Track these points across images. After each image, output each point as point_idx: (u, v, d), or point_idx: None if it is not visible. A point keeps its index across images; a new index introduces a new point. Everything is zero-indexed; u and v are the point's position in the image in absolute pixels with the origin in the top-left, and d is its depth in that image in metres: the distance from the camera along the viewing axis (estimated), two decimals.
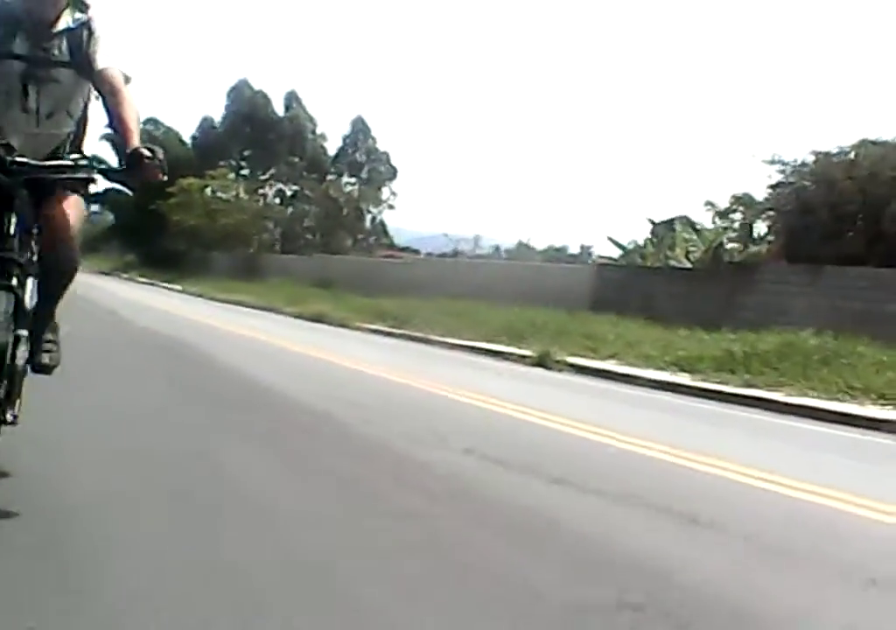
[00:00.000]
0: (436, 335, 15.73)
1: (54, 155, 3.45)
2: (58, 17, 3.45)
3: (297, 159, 48.68)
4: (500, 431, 6.51)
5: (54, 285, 3.49)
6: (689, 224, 26.13)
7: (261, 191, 49.51)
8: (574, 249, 58.77)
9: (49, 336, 3.62)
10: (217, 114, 50.60)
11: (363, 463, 4.94)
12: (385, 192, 47.66)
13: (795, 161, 21.64)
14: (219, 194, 43.98)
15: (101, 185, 3.39)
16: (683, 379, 10.90)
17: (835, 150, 20.89)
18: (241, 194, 47.26)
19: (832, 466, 6.24)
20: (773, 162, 21.69)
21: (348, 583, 2.88)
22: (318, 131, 50.24)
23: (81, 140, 3.71)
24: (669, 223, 26.04)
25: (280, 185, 48.06)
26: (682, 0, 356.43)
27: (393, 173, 47.90)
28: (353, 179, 47.66)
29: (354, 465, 4.83)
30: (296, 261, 37.58)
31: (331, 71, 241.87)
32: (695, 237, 25.50)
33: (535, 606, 2.85)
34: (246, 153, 48.76)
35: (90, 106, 3.67)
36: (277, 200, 48.81)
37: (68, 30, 3.46)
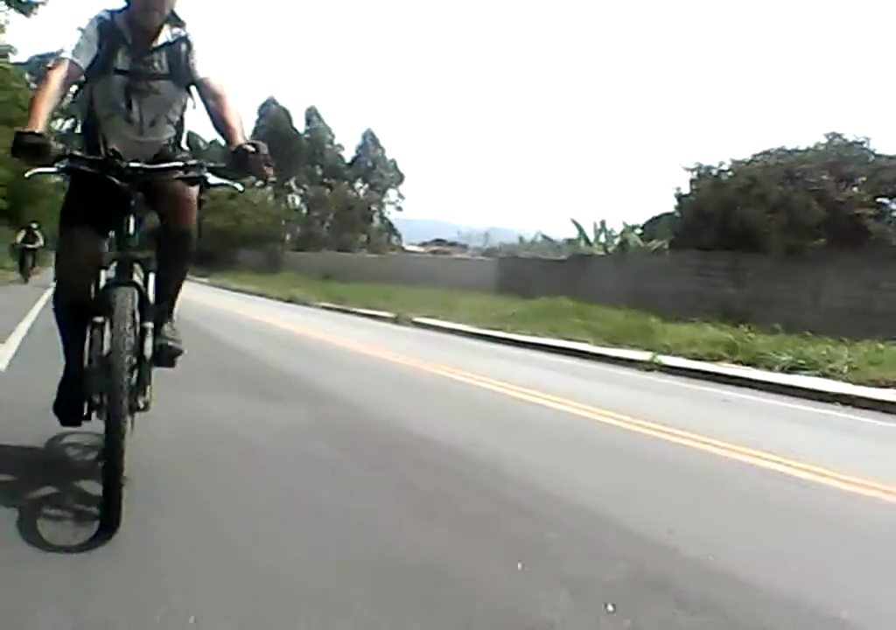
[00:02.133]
0: (354, 307, 22.03)
1: (158, 158, 3.63)
2: (157, 33, 3.65)
3: (317, 167, 55.33)
4: (329, 357, 12.54)
5: (176, 275, 3.79)
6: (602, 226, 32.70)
7: (288, 196, 56.66)
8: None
9: (167, 328, 3.77)
10: (247, 127, 57.46)
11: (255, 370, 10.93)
12: (393, 195, 54.05)
13: (708, 168, 26.53)
14: (249, 199, 50.68)
15: (213, 181, 3.49)
16: (478, 329, 16.54)
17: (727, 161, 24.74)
18: (269, 199, 54.35)
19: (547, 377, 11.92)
20: (691, 169, 27.04)
21: None
22: (336, 141, 56.72)
23: (178, 144, 3.92)
24: (602, 223, 32.77)
25: (300, 190, 54.79)
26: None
27: (400, 178, 54.28)
28: (365, 185, 54.12)
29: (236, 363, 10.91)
30: (307, 257, 44.15)
31: (347, 86, 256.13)
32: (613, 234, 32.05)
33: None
34: (275, 162, 55.33)
35: (186, 114, 3.88)
36: (299, 203, 55.75)
37: (167, 44, 3.67)
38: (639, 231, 32.45)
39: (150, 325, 3.47)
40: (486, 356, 12.38)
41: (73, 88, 3.65)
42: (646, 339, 13.27)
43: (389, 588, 2.75)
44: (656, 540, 3.53)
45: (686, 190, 28.01)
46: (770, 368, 11.23)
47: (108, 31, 3.59)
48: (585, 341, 13.88)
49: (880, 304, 16.26)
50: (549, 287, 22.25)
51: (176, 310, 3.85)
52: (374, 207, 51.96)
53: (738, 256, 19.54)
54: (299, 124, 56.00)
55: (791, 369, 11.02)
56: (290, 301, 26.03)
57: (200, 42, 3.71)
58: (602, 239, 32.71)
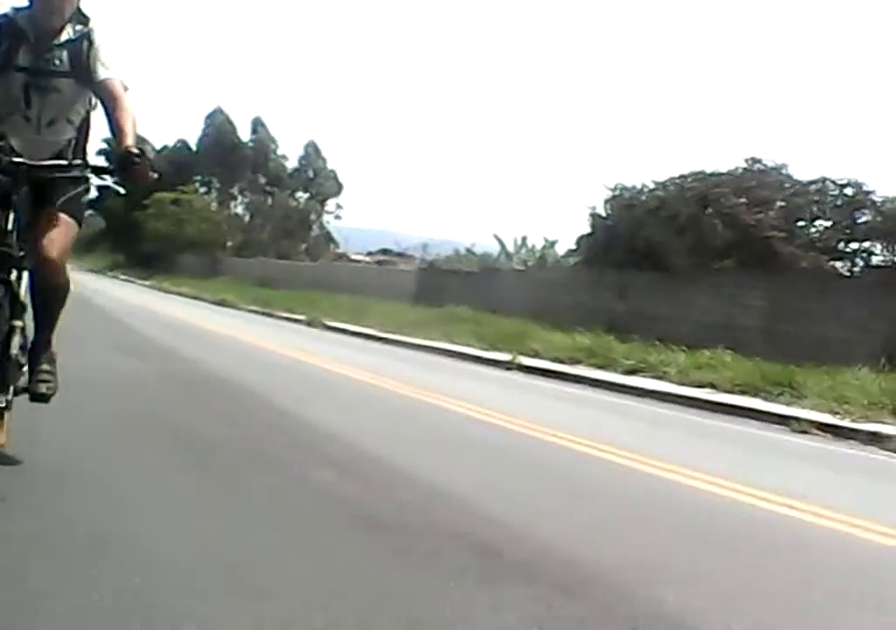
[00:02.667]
0: (277, 311, 23.45)
1: (55, 160, 3.61)
2: (61, 30, 3.62)
3: (259, 176, 56.58)
4: (247, 354, 14.01)
5: (47, 309, 3.69)
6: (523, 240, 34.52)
7: (231, 203, 57.84)
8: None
9: (46, 366, 3.70)
10: (194, 135, 58.53)
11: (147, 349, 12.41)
12: (332, 205, 55.52)
13: (624, 189, 27.98)
14: (192, 204, 51.72)
15: (96, 183, 3.57)
16: (377, 332, 18.18)
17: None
18: (212, 205, 55.50)
19: (411, 371, 13.53)
20: (612, 189, 28.53)
21: None
22: (280, 151, 58.02)
23: (83, 146, 3.87)
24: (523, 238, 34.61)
25: (244, 198, 56.01)
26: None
27: (339, 189, 55.78)
28: (306, 194, 55.47)
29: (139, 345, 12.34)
30: (246, 263, 45.29)
31: (292, 98, 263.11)
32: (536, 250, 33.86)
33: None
34: (217, 170, 56.50)
35: (92, 114, 3.84)
36: (242, 211, 56.94)
37: (69, 41, 3.64)
38: (573, 246, 34.24)
39: (19, 323, 3.46)
40: (369, 353, 14.02)
41: None
42: (521, 344, 14.86)
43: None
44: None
45: (601, 210, 29.90)
46: (615, 370, 12.87)
47: (9, 28, 3.60)
48: (469, 345, 15.48)
49: (740, 319, 18.00)
50: (459, 297, 23.79)
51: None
52: (313, 216, 53.20)
53: (625, 274, 21.21)
54: (245, 134, 57.18)
55: (632, 372, 12.67)
56: (219, 304, 27.30)
57: (103, 40, 3.69)
58: (523, 253, 34.48)
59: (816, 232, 23.12)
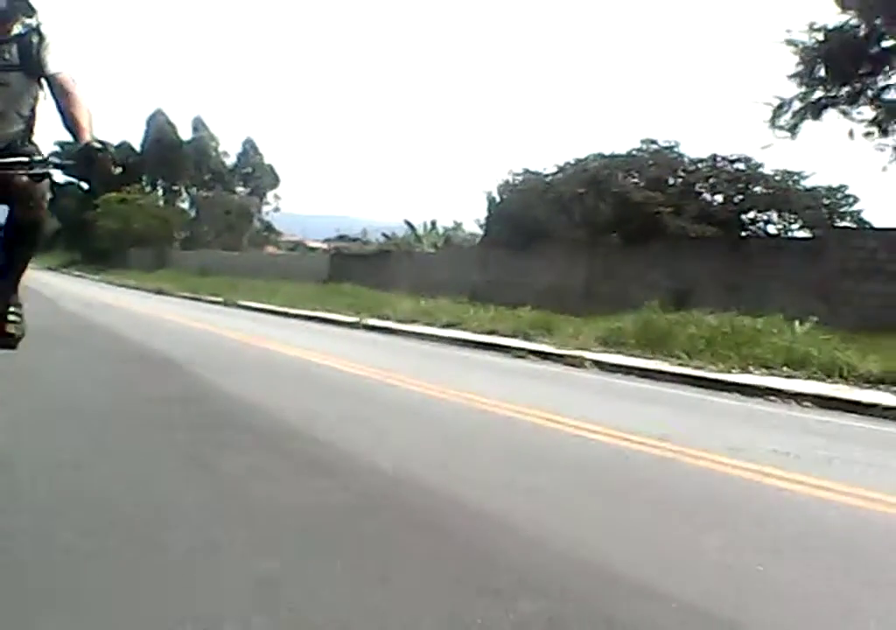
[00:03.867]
0: (206, 296, 27.22)
1: (3, 153, 3.52)
2: (11, 25, 3.59)
3: (202, 173, 60.08)
4: (174, 331, 17.83)
5: (21, 250, 3.72)
6: (432, 224, 38.50)
7: (177, 199, 61.34)
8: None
9: (13, 308, 3.78)
10: (137, 136, 61.86)
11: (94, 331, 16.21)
12: (271, 197, 59.28)
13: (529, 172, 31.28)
14: (139, 203, 55.14)
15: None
16: (271, 307, 22.01)
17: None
18: (159, 202, 58.97)
19: (275, 331, 17.58)
20: (519, 173, 31.90)
21: None
22: (221, 149, 61.49)
23: (29, 138, 3.81)
24: (433, 222, 38.62)
25: (187, 195, 59.57)
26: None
27: (276, 182, 59.51)
28: (246, 189, 59.11)
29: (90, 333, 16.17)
30: (190, 255, 48.92)
31: (230, 96, 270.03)
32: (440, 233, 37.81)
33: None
34: (161, 169, 59.89)
35: (38, 107, 3.78)
36: (188, 206, 60.49)
37: (18, 35, 3.60)
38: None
39: None
40: (258, 323, 17.83)
41: None
42: (378, 310, 18.85)
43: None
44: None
45: (496, 194, 34.00)
46: (436, 326, 16.85)
47: None
48: (337, 312, 19.43)
49: (574, 283, 22.00)
50: (361, 277, 27.97)
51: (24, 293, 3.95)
52: (253, 210, 56.81)
53: (486, 250, 25.23)
54: (186, 132, 60.51)
55: (447, 325, 16.65)
56: (158, 292, 30.98)
57: (53, 34, 3.64)
58: (432, 236, 38.56)
59: (712, 205, 26.73)
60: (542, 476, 4.72)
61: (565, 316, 16.06)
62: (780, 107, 20.28)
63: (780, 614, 2.92)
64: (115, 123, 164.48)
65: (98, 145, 3.35)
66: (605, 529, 3.81)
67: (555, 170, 33.05)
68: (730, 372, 10.23)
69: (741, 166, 26.90)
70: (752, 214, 27.79)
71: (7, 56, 3.61)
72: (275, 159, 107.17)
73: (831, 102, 20.15)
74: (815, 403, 8.53)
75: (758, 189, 26.07)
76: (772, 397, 8.86)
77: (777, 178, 25.48)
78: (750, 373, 10.19)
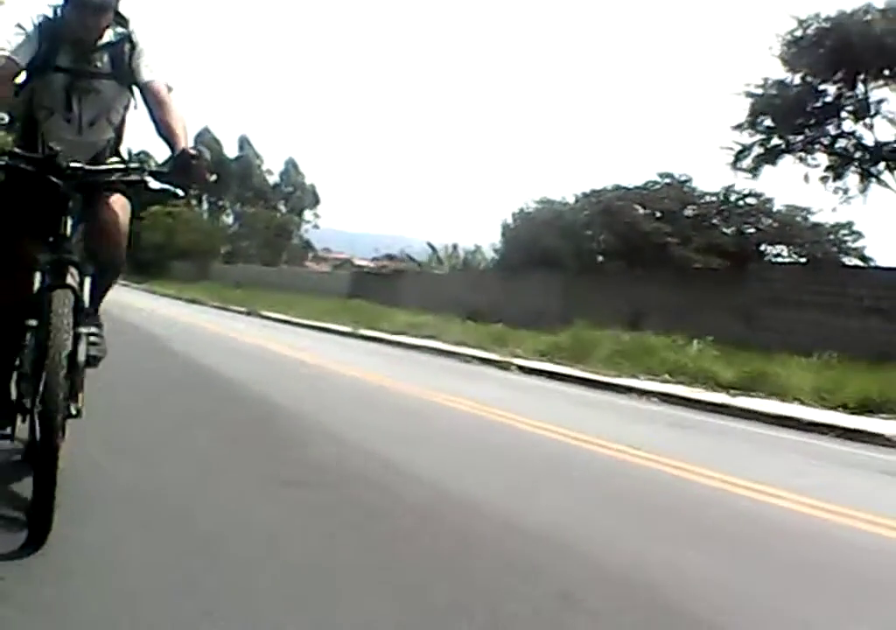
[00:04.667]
0: (233, 306, 30.13)
1: (95, 160, 3.66)
2: (102, 33, 3.64)
3: (246, 190, 63.54)
4: (185, 329, 20.71)
5: (101, 282, 3.73)
6: (454, 247, 41.33)
7: (222, 215, 64.89)
8: None
9: (94, 330, 3.68)
10: None
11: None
12: (310, 216, 62.62)
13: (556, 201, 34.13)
14: (183, 216, 58.67)
15: (153, 186, 3.51)
16: (292, 318, 24.85)
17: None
18: (203, 217, 62.51)
19: (289, 337, 20.40)
20: (540, 202, 34.84)
21: None
22: (265, 167, 64.95)
23: (118, 145, 3.95)
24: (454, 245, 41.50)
25: (232, 210, 63.09)
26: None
27: (317, 201, 62.82)
28: (287, 206, 62.50)
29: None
30: (229, 269, 52.24)
31: (276, 116, 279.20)
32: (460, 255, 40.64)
33: None
34: (207, 185, 63.46)
35: (128, 115, 3.90)
36: (232, 222, 64.03)
37: (110, 44, 3.67)
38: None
39: (84, 330, 3.36)
40: (274, 330, 20.60)
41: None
42: (377, 323, 21.60)
43: None
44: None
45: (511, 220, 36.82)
46: (417, 337, 19.50)
47: (49, 28, 3.57)
48: (343, 324, 22.13)
49: (554, 305, 24.51)
50: (378, 294, 30.84)
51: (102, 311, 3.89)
52: (292, 227, 60.10)
53: (484, 274, 28.03)
54: (232, 150, 64.06)
55: (427, 337, 19.26)
56: (192, 302, 34.01)
57: (146, 42, 3.72)
58: (453, 258, 41.40)
59: (724, 236, 28.78)
60: (416, 429, 7.36)
61: (530, 332, 18.61)
62: (741, 152, 22.76)
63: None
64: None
65: (193, 153, 3.38)
66: (460, 470, 5.57)
67: (573, 199, 35.81)
68: (619, 377, 12.76)
69: (752, 201, 29.32)
70: (762, 247, 30.19)
71: (99, 64, 3.69)
72: (317, 179, 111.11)
73: (788, 149, 22.61)
74: (662, 399, 11.06)
75: (766, 223, 28.48)
76: (634, 395, 11.42)
77: (784, 212, 27.83)
78: (637, 378, 12.72)
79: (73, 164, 3.36)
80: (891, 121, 21.77)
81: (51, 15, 3.62)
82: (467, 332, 18.85)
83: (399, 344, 18.12)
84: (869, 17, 19.25)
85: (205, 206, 65.04)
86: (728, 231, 29.47)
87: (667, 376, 12.74)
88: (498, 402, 9.18)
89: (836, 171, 22.78)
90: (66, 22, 3.58)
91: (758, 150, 22.75)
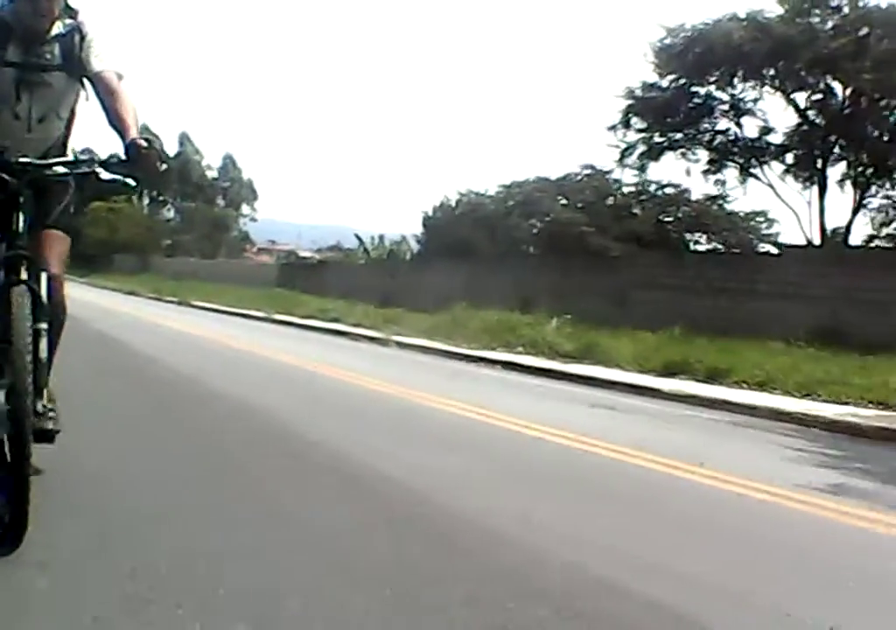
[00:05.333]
0: (166, 296, 31.76)
1: (45, 156, 3.57)
2: (51, 25, 3.58)
3: (187, 186, 64.88)
4: (118, 316, 22.38)
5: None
6: (380, 238, 43.06)
7: (163, 209, 66.19)
8: None
9: (47, 403, 3.45)
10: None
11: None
12: (247, 210, 64.21)
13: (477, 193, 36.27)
14: (124, 212, 59.90)
15: (104, 177, 3.47)
16: (217, 306, 26.53)
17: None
18: (144, 212, 63.75)
19: (198, 321, 22.17)
20: (463, 194, 36.67)
21: None
22: (204, 163, 66.30)
23: (67, 140, 3.85)
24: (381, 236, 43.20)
25: (173, 206, 64.44)
26: None
27: (254, 195, 64.43)
28: (224, 201, 63.97)
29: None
30: (170, 262, 53.66)
31: (215, 113, 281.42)
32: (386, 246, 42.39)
33: None
34: (147, 180, 64.73)
35: (77, 108, 3.82)
36: (174, 216, 65.41)
37: (60, 35, 3.60)
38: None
39: (43, 325, 3.30)
40: (195, 316, 22.37)
41: None
42: (294, 308, 23.52)
43: None
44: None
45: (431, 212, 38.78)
46: (324, 320, 21.39)
47: None
48: (260, 310, 23.96)
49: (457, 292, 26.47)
50: (303, 283, 32.74)
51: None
52: (230, 221, 61.66)
53: (394, 263, 30.05)
54: (173, 146, 65.34)
55: (332, 320, 21.17)
56: (131, 293, 35.54)
57: (95, 32, 3.66)
58: (380, 249, 43.13)
59: (642, 226, 30.39)
60: (276, 392, 9.29)
61: (425, 315, 20.58)
62: (625, 150, 24.89)
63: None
64: (105, 136, 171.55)
65: (143, 143, 3.31)
66: (297, 407, 8.31)
67: (499, 190, 37.83)
68: (478, 350, 14.77)
69: (670, 191, 31.31)
70: (686, 235, 32.20)
71: (49, 56, 3.61)
72: (257, 173, 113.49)
73: (670, 146, 24.78)
74: (504, 367, 13.07)
75: (685, 211, 30.32)
76: (483, 363, 13.43)
77: (701, 202, 29.73)
78: (493, 350, 14.73)
79: (21, 160, 3.36)
80: (764, 120, 24.04)
81: None
82: (367, 316, 20.76)
83: (304, 326, 20.06)
84: (731, 25, 21.40)
85: (146, 201, 66.28)
86: (646, 220, 31.42)
87: (520, 349, 14.74)
88: (359, 369, 11.16)
89: (715, 165, 24.96)
90: (17, 13, 3.56)
91: (642, 147, 24.80)
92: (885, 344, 14.03)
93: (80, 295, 29.24)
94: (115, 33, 3.89)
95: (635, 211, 32.19)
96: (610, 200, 33.29)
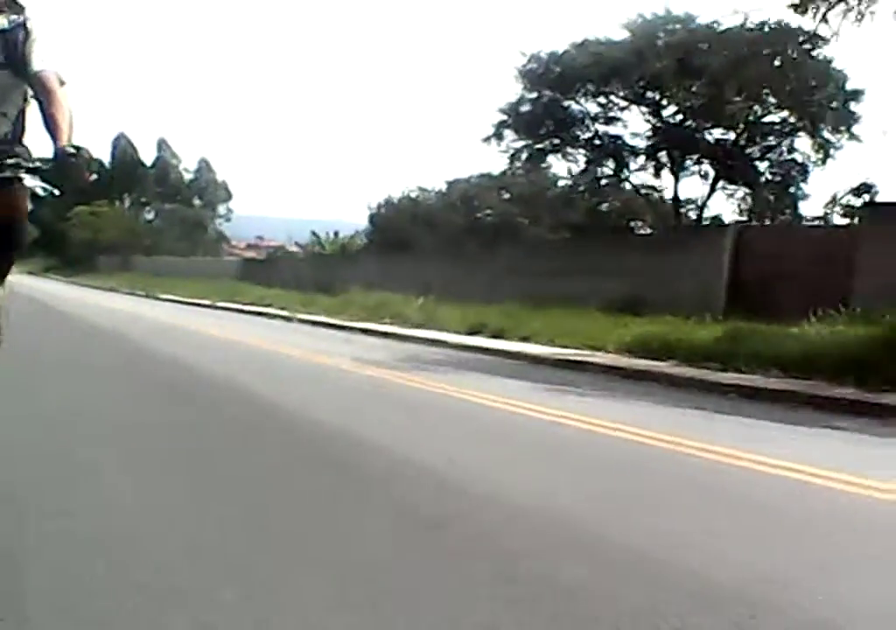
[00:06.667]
0: (138, 291, 36.52)
1: None
2: None
3: (166, 188, 69.75)
4: (91, 307, 27.17)
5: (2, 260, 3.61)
6: (335, 234, 47.77)
7: (142, 211, 71.02)
8: None
9: None
10: (104, 153, 71.64)
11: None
12: (223, 210, 69.13)
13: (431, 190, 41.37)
14: (106, 215, 64.67)
15: (29, 184, 3.41)
16: (179, 298, 31.36)
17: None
18: (125, 214, 68.54)
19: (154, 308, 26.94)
20: (409, 190, 41.73)
21: None
22: (182, 167, 71.15)
23: (21, 136, 3.70)
24: (336, 232, 48.00)
25: (152, 208, 69.32)
26: None
27: (228, 196, 69.35)
28: (200, 202, 68.88)
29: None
30: (150, 261, 58.42)
31: (190, 119, 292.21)
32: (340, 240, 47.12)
33: None
34: (128, 184, 69.49)
35: (27, 108, 3.67)
36: (153, 217, 70.29)
37: (3, 31, 3.51)
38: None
39: None
40: (154, 306, 27.06)
41: None
42: (238, 297, 28.31)
43: None
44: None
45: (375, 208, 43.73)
46: (256, 305, 26.18)
47: None
48: (208, 298, 28.75)
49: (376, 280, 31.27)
50: (260, 277, 37.52)
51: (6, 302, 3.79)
52: (207, 221, 66.55)
53: (323, 258, 34.99)
54: (152, 150, 70.27)
55: (266, 305, 25.93)
56: (111, 290, 40.22)
57: (40, 30, 3.57)
58: (335, 243, 47.86)
59: (576, 214, 34.81)
60: (197, 349, 14.14)
61: (335, 299, 25.28)
62: (513, 155, 29.76)
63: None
64: (84, 141, 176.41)
65: (72, 150, 3.22)
66: (214, 358, 13.13)
67: (443, 185, 42.72)
68: (347, 321, 19.57)
69: (605, 182, 35.78)
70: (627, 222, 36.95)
71: None
72: (228, 176, 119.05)
73: (551, 150, 29.65)
74: (361, 332, 17.92)
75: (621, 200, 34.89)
76: (363, 334, 18.17)
77: (634, 191, 34.07)
78: (366, 322, 19.55)
79: None
80: (625, 125, 28.97)
81: None
82: (291, 301, 25.57)
83: (237, 310, 25.03)
84: (574, 52, 26.36)
85: (127, 203, 71.06)
86: (582, 209, 35.62)
87: (387, 320, 19.58)
88: (253, 334, 16.06)
89: (592, 164, 29.87)
90: None
91: (528, 151, 29.67)
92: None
93: (65, 292, 34.03)
94: (63, 36, 3.86)
95: (573, 198, 36.41)
96: (550, 193, 38.15)
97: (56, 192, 3.62)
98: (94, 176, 3.53)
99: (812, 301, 13.69)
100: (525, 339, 15.58)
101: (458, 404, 8.05)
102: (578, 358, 12.75)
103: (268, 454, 5.23)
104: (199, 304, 27.84)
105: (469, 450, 5.71)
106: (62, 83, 3.55)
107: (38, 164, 3.41)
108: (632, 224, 37.02)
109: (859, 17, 11.99)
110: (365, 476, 4.77)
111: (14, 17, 3.55)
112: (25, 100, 3.63)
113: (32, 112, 3.64)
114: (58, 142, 3.31)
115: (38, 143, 3.57)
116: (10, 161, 3.36)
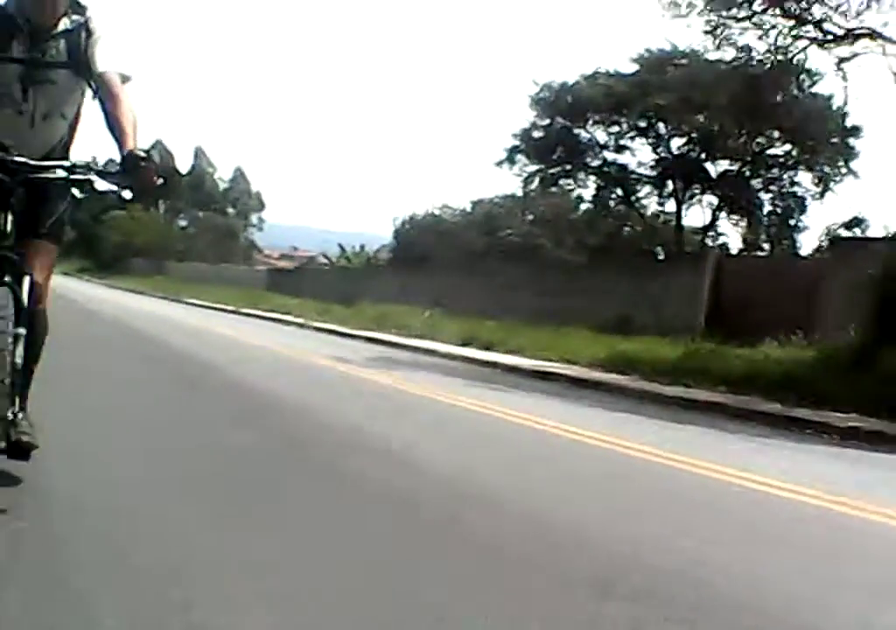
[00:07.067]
0: (168, 295, 38.25)
1: (46, 158, 3.53)
2: (57, 21, 3.54)
3: (200, 196, 71.82)
4: (122, 307, 28.85)
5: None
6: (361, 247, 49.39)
7: (177, 218, 73.14)
8: None
9: (22, 416, 3.46)
10: None
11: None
12: (255, 219, 71.13)
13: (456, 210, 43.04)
14: (142, 220, 66.80)
15: (99, 187, 3.42)
16: (203, 303, 32.94)
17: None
18: (160, 220, 70.65)
19: (177, 312, 28.58)
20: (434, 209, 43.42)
21: None
22: (217, 175, 73.25)
23: (70, 144, 3.82)
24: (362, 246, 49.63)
25: (186, 214, 71.44)
26: None
27: (262, 206, 71.32)
28: (234, 210, 70.90)
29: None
30: (181, 266, 60.44)
31: (229, 128, 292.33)
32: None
33: None
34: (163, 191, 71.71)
35: (83, 109, 3.78)
36: (187, 224, 72.40)
37: (66, 31, 3.55)
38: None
39: (22, 331, 3.27)
40: (182, 309, 28.70)
41: None
42: (261, 304, 29.89)
43: None
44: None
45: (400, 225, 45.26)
46: (277, 312, 27.76)
47: (1, 17, 3.51)
48: (230, 305, 30.34)
49: (394, 293, 32.80)
50: (287, 286, 39.20)
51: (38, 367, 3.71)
52: (238, 230, 68.54)
53: (344, 271, 36.54)
54: (188, 158, 72.38)
55: (285, 312, 27.50)
56: (138, 292, 41.96)
57: (102, 31, 3.61)
58: (361, 256, 49.46)
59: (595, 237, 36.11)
60: (223, 351, 15.73)
61: (353, 310, 26.84)
62: (526, 179, 31.23)
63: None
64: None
65: (141, 154, 3.28)
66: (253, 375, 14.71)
67: (468, 204, 44.19)
68: (360, 330, 21.07)
69: (621, 208, 37.06)
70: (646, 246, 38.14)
71: (54, 53, 3.55)
72: (262, 186, 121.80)
73: (565, 175, 31.11)
74: (366, 341, 19.38)
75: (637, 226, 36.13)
76: (371, 342, 19.62)
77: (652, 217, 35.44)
78: (372, 331, 21.04)
79: (16, 159, 3.32)
80: (633, 154, 30.39)
81: (2, 2, 3.57)
82: (307, 309, 27.12)
83: (257, 316, 26.60)
84: (584, 83, 27.85)
85: (161, 209, 73.18)
86: (602, 233, 36.81)
87: (393, 330, 21.08)
88: (266, 338, 17.58)
89: (603, 191, 31.29)
90: (21, 8, 3.51)
91: (540, 176, 31.15)
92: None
93: (97, 293, 35.76)
94: (127, 35, 3.76)
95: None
96: (572, 216, 39.30)
97: (126, 195, 3.53)
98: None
99: (781, 326, 15.11)
100: (511, 352, 16.93)
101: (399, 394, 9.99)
102: (550, 369, 14.13)
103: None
104: (221, 309, 29.43)
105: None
106: (125, 80, 3.63)
107: (108, 167, 3.56)
108: (654, 249, 38.20)
109: None
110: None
111: (76, 17, 3.62)
112: (83, 100, 3.77)
113: (88, 108, 3.77)
114: (124, 146, 3.38)
115: (94, 139, 3.75)
116: (82, 162, 3.48)
